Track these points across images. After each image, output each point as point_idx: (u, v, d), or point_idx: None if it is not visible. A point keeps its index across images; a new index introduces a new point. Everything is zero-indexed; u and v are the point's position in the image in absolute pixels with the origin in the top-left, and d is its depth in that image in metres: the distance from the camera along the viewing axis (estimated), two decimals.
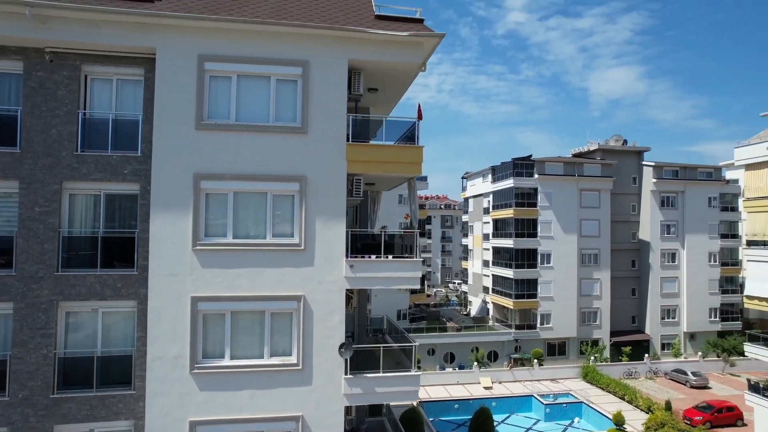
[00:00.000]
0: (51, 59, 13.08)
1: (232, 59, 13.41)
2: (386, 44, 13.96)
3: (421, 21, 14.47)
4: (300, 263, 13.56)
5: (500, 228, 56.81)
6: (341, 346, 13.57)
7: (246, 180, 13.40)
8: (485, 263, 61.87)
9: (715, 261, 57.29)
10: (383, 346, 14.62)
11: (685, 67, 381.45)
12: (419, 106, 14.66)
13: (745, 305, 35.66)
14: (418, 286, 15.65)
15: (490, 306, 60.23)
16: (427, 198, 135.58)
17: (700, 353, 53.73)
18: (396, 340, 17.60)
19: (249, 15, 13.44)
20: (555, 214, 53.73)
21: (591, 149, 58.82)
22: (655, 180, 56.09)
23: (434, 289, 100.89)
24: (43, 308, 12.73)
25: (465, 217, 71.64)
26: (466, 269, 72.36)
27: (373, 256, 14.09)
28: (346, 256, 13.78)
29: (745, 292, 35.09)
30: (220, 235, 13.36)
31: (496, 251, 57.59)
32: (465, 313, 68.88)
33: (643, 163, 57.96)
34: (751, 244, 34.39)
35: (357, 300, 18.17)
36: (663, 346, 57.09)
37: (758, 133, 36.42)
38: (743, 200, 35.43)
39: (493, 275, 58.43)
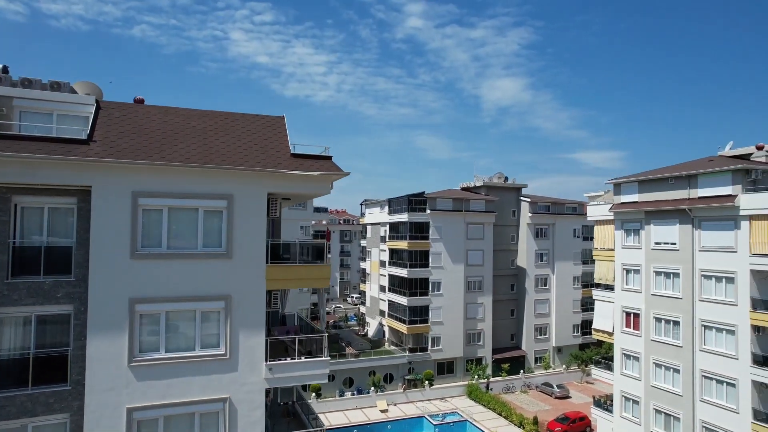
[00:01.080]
0: None
1: (164, 195, 15.24)
2: (300, 179, 16.57)
3: (329, 158, 17.26)
4: (226, 370, 15.72)
5: (396, 257, 61.06)
6: None
7: (177, 301, 15.29)
8: (382, 288, 65.90)
9: (577, 284, 66.23)
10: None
11: (563, 82, 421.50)
12: (328, 230, 17.51)
13: (593, 336, 42.79)
14: (325, 381, 18.33)
15: (386, 329, 64.34)
16: (326, 210, 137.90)
17: (564, 366, 62.06)
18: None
19: (179, 155, 15.37)
20: (445, 246, 59.03)
21: (477, 185, 65.17)
22: (531, 214, 63.68)
23: (333, 305, 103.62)
24: None
25: (363, 242, 75.35)
26: (364, 292, 76.03)
27: (288, 359, 16.62)
28: (266, 360, 16.17)
29: (593, 326, 42.16)
30: (154, 350, 15.13)
31: (392, 278, 61.80)
32: (362, 333, 72.44)
33: (521, 198, 65.49)
34: (597, 286, 41.40)
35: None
36: (536, 360, 64.91)
37: (627, 172, 43.43)
38: (594, 249, 42.40)
39: (389, 301, 62.55)
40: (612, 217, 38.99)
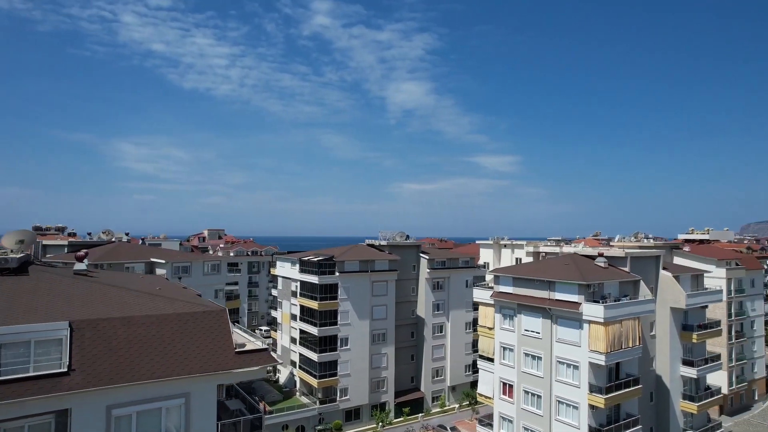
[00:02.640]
0: None
1: (134, 403, 18.90)
2: (243, 372, 20.93)
3: (266, 350, 21.79)
4: None
5: (306, 314, 65.41)
6: None
7: None
8: (293, 340, 69.86)
9: (469, 329, 74.74)
10: None
11: (465, 88, 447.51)
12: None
13: (478, 399, 50.42)
14: None
15: (298, 379, 68.43)
16: (233, 243, 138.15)
17: (457, 404, 70.13)
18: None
19: (147, 370, 19.12)
20: (352, 304, 64.43)
21: (382, 243, 71.32)
22: (429, 270, 71.03)
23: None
24: None
25: (275, 292, 78.65)
26: (275, 322, 79.27)
27: None
28: None
29: (478, 390, 49.73)
30: None
31: (303, 333, 66.05)
32: (274, 380, 75.77)
33: (421, 255, 72.69)
34: (481, 357, 48.97)
35: None
36: (433, 399, 72.40)
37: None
38: (478, 325, 50.00)
39: (300, 354, 66.71)
40: (492, 302, 46.64)
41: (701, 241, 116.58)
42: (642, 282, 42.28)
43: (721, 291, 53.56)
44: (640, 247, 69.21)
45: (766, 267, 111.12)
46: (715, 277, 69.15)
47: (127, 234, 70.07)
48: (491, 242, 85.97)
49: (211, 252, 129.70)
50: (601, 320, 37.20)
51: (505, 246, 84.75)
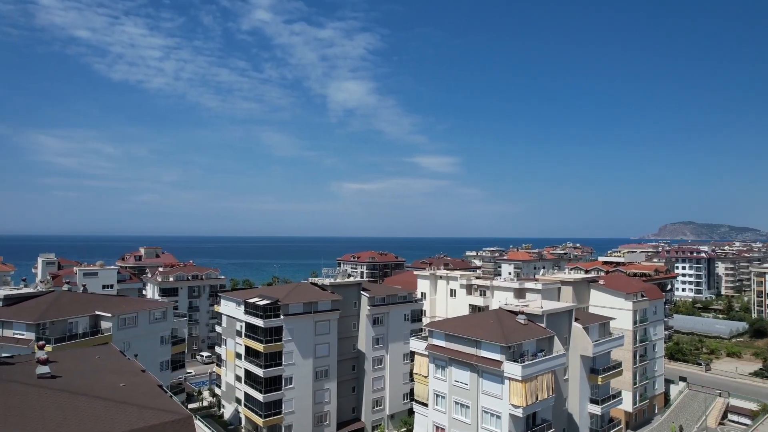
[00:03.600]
0: None
1: None
2: None
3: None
4: None
5: (251, 354, 67.69)
6: None
7: None
8: (238, 378, 71.86)
9: (407, 359, 79.48)
10: None
11: (406, 89, 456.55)
12: None
13: None
14: None
15: (243, 416, 70.51)
16: (172, 266, 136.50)
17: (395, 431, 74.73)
18: None
19: None
20: (296, 345, 67.40)
21: (326, 282, 74.63)
22: (369, 307, 75.13)
23: (184, 373, 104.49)
24: None
25: (218, 329, 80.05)
26: (221, 355, 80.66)
27: None
28: None
29: None
30: None
31: (248, 373, 68.26)
32: (219, 415, 77.27)
33: (362, 293, 76.62)
34: (416, 402, 53.59)
35: None
36: (373, 428, 76.61)
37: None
38: (414, 372, 54.57)
39: (245, 393, 68.88)
40: (427, 354, 51.33)
41: (617, 263, 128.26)
42: (556, 337, 48.36)
43: (622, 336, 61.04)
44: (562, 281, 76.66)
45: (668, 288, 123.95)
46: (624, 309, 77.81)
47: (67, 282, 69.29)
48: (428, 274, 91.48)
49: (149, 275, 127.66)
50: (519, 378, 42.67)
51: (440, 277, 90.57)
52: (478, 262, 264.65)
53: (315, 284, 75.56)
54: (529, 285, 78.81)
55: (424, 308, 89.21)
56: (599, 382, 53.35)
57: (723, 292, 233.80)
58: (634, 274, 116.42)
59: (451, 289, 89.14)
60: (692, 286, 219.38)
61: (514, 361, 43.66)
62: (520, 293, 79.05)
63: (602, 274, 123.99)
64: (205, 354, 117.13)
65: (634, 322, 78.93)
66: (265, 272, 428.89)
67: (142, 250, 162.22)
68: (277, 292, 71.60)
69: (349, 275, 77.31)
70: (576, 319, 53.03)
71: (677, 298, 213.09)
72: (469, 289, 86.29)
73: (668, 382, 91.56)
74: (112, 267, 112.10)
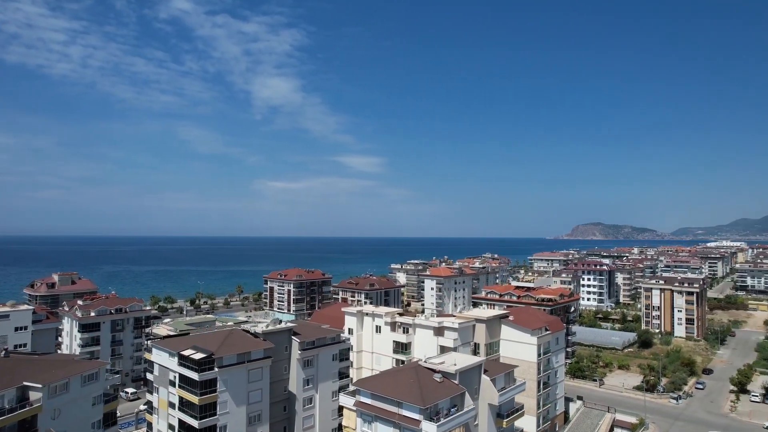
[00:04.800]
0: None
1: None
2: None
3: None
4: None
5: (185, 404, 69.83)
6: None
7: None
8: (171, 427, 73.53)
9: (335, 396, 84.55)
10: None
11: (333, 87, 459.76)
12: None
13: None
14: None
15: None
16: (92, 297, 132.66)
17: None
18: None
19: None
20: (230, 394, 70.41)
21: (258, 330, 77.99)
22: (300, 351, 79.42)
23: None
24: None
25: (150, 376, 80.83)
26: (153, 403, 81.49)
27: None
28: None
29: None
30: None
31: (182, 423, 70.31)
32: None
33: (293, 337, 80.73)
34: None
35: None
36: None
37: None
38: (343, 426, 59.79)
39: None
40: (355, 409, 56.77)
41: (528, 288, 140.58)
42: (467, 393, 55.53)
43: (524, 383, 69.28)
44: (476, 319, 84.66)
45: (572, 309, 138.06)
46: (530, 344, 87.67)
47: None
48: (355, 311, 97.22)
49: (66, 309, 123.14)
50: None
51: (367, 314, 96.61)
52: (402, 276, 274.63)
53: (247, 331, 78.69)
54: (447, 323, 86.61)
55: (351, 343, 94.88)
56: (504, 426, 61.34)
57: (621, 300, 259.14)
58: (542, 299, 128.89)
59: (377, 326, 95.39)
60: (595, 296, 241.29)
61: (430, 420, 50.16)
62: (439, 331, 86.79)
63: (514, 298, 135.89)
64: (130, 390, 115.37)
65: (539, 355, 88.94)
66: (187, 284, 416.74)
67: (55, 277, 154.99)
68: (210, 342, 73.98)
69: (280, 321, 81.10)
70: (485, 371, 60.69)
71: (582, 307, 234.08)
72: (393, 326, 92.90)
73: (568, 400, 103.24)
74: (25, 307, 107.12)
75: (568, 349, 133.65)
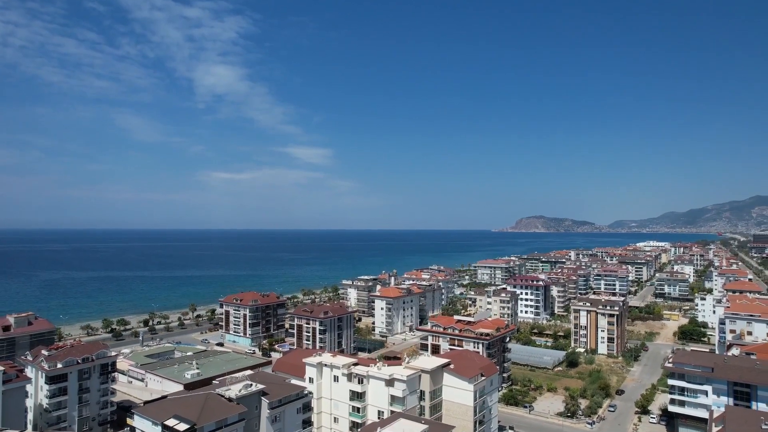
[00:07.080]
0: None
1: None
2: None
3: None
4: None
5: None
6: None
7: None
8: None
9: None
10: None
11: (279, 77, 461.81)
12: None
13: None
14: None
15: None
16: (59, 347, 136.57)
17: None
18: None
19: None
20: None
21: (232, 395, 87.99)
22: (269, 410, 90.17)
23: None
24: None
25: None
26: None
27: None
28: None
29: None
30: None
31: None
32: None
33: (262, 398, 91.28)
34: None
35: None
36: None
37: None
38: None
39: None
40: None
41: (469, 322, 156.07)
42: None
43: None
44: (422, 370, 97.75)
45: (507, 340, 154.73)
46: (467, 390, 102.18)
47: None
48: (315, 363, 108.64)
49: (30, 358, 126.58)
50: None
51: (326, 365, 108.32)
52: (353, 292, 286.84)
53: (221, 396, 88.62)
54: (396, 375, 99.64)
55: (312, 390, 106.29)
56: None
57: (556, 311, 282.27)
58: (481, 334, 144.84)
59: (335, 376, 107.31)
60: (532, 309, 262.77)
61: None
62: (390, 382, 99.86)
63: (456, 331, 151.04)
64: None
65: (475, 398, 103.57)
66: (135, 293, 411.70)
67: (11, 319, 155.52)
68: (189, 409, 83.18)
69: (252, 385, 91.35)
70: None
71: (520, 320, 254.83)
72: (350, 377, 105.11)
73: (501, 429, 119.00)
74: None
75: (504, 375, 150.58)
